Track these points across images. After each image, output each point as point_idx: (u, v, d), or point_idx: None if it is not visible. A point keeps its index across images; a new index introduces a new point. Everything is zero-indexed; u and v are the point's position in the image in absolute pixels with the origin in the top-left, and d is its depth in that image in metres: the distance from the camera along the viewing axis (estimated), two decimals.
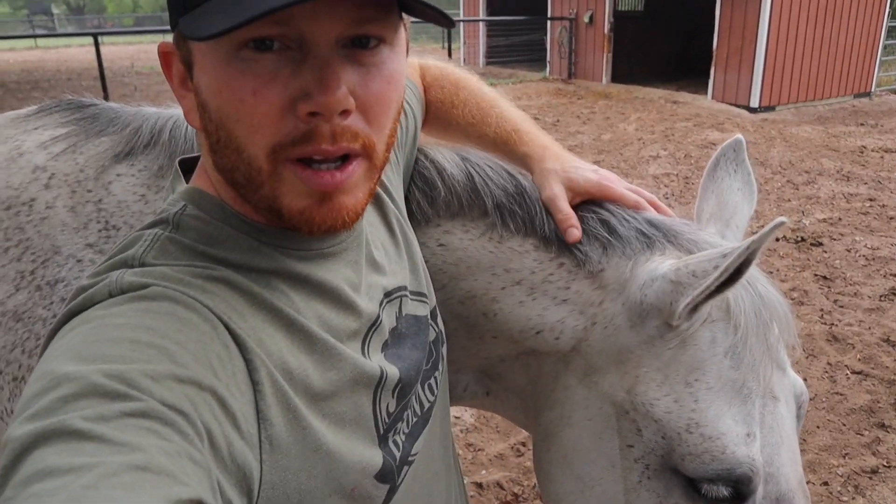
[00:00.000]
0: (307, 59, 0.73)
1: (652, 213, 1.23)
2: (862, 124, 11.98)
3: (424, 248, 1.23)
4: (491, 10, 20.42)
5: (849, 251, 6.10)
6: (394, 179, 1.17)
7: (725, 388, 1.04)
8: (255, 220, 0.86)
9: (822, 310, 4.95)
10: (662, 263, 1.10)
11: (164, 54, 0.85)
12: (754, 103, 13.77)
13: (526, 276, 1.18)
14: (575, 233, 1.17)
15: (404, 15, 0.83)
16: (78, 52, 31.52)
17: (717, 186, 1.32)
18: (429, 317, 1.09)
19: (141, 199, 1.31)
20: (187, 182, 0.93)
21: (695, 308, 1.03)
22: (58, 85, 17.58)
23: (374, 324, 0.95)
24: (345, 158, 0.78)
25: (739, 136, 1.36)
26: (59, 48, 36.25)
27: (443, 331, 1.14)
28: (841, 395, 4.01)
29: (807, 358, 4.36)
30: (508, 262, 1.19)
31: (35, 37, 14.73)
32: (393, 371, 0.93)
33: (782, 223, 0.92)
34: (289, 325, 0.81)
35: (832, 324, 4.76)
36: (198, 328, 0.71)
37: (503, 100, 1.40)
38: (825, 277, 5.53)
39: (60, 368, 0.62)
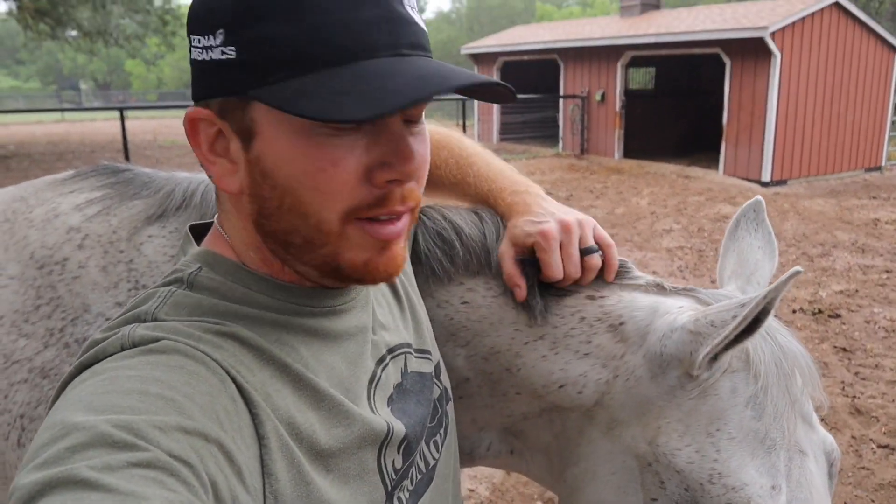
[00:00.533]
0: (382, 133, 0.80)
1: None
2: (874, 197, 12.03)
3: (448, 305, 1.25)
4: None
5: (868, 323, 6.04)
6: None
7: (748, 438, 1.04)
8: (273, 277, 0.88)
9: (843, 382, 4.87)
10: (682, 314, 1.11)
11: (192, 120, 0.84)
12: (766, 177, 13.90)
13: (548, 330, 1.19)
14: (518, 292, 1.19)
15: None
16: (103, 125, 32.47)
17: (738, 245, 1.34)
18: (433, 374, 1.10)
19: (171, 259, 1.34)
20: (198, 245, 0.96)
21: (714, 358, 1.04)
22: (82, 157, 18.03)
23: (373, 380, 0.96)
24: None
25: (759, 197, 1.38)
26: (84, 122, 37.36)
27: (448, 388, 1.15)
28: (867, 469, 3.90)
29: (830, 431, 4.27)
30: (531, 317, 1.21)
31: (62, 110, 15.30)
32: (399, 427, 0.94)
33: (798, 272, 0.93)
34: (296, 380, 0.83)
35: (854, 396, 4.67)
36: (206, 381, 0.73)
37: (482, 154, 1.37)
38: (845, 349, 5.46)
39: (70, 418, 0.63)
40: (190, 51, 0.83)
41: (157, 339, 0.75)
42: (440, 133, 1.40)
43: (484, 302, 1.24)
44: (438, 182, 1.37)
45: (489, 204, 1.32)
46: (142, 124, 32.60)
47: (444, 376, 1.15)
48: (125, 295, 1.31)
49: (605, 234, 1.24)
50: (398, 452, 0.94)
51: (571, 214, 1.24)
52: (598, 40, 17.41)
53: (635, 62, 18.24)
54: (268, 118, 0.79)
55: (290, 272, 0.89)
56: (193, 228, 1.00)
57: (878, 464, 3.96)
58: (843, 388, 4.80)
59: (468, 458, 1.34)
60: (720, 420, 1.05)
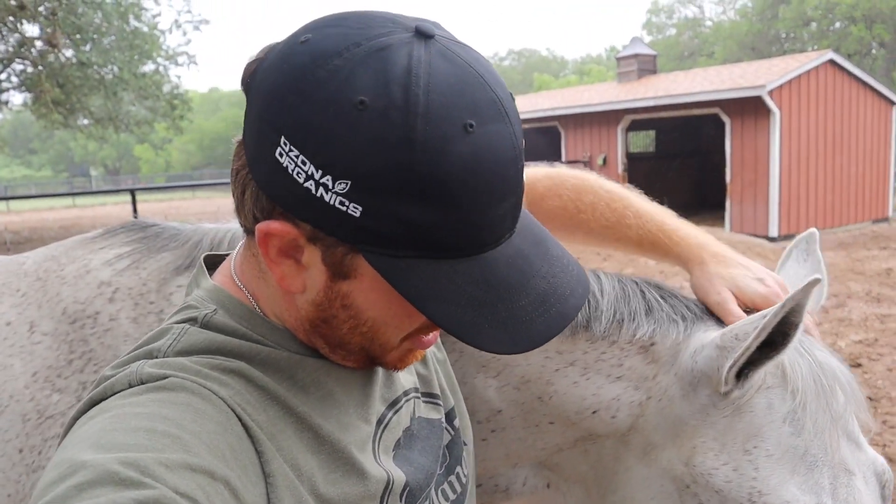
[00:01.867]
0: None
1: None
2: (884, 248, 12.02)
3: None
4: None
5: (890, 371, 5.95)
6: None
7: (787, 455, 1.02)
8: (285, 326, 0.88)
9: (871, 431, 4.76)
10: (712, 331, 1.11)
11: (267, 236, 0.77)
12: (773, 233, 13.94)
13: (579, 356, 1.19)
14: None
15: None
16: (113, 209, 32.97)
17: (786, 274, 1.34)
18: (443, 420, 1.08)
19: (191, 297, 1.35)
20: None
21: (741, 372, 1.03)
22: None
23: (381, 421, 0.95)
24: None
25: (814, 229, 1.37)
26: (95, 206, 38.01)
27: (461, 432, 1.12)
28: None
29: None
30: (560, 343, 1.20)
31: (73, 195, 15.52)
32: (399, 476, 0.92)
33: (818, 280, 0.93)
34: (299, 422, 0.82)
35: (884, 445, 4.57)
36: (212, 419, 0.73)
37: (633, 195, 1.35)
38: (870, 398, 5.36)
39: (78, 456, 0.63)
40: (277, 151, 0.73)
41: (164, 377, 0.76)
42: (577, 177, 1.37)
43: None
44: (584, 226, 1.34)
45: (659, 243, 1.28)
46: (150, 206, 33.10)
47: (459, 422, 1.12)
48: None
49: None
50: (400, 501, 0.92)
51: (766, 271, 1.22)
52: (598, 105, 17.78)
53: (635, 125, 18.57)
54: (372, 272, 0.76)
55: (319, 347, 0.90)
56: (207, 258, 1.00)
57: None
58: (872, 437, 4.69)
59: (504, 494, 1.32)
60: (757, 437, 1.04)
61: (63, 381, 1.33)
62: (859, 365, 6.11)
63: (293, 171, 0.72)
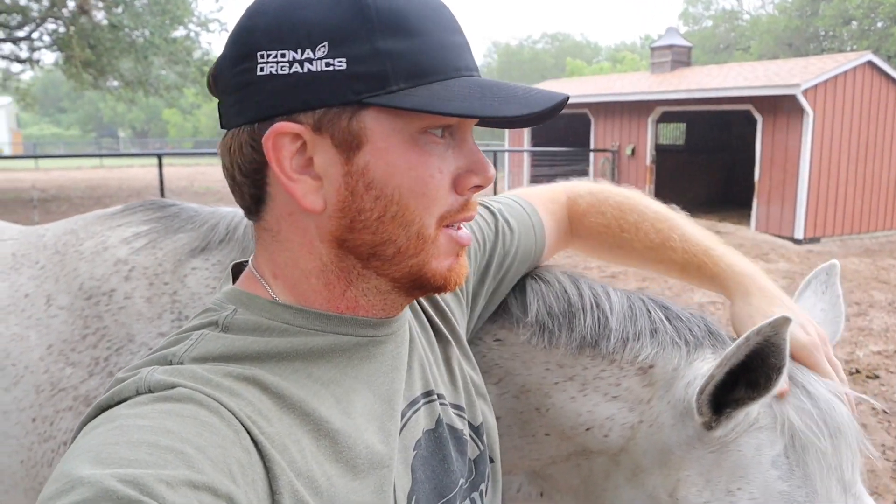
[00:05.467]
0: (462, 145, 0.88)
1: (711, 322, 1.22)
2: None
3: (481, 343, 1.24)
4: (535, 141, 21.14)
5: None
6: (451, 301, 1.16)
7: (772, 500, 1.00)
8: (314, 309, 0.88)
9: (883, 445, 4.71)
10: (708, 362, 1.10)
11: (278, 135, 0.82)
12: (799, 235, 13.76)
13: (579, 371, 1.18)
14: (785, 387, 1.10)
15: None
16: (139, 171, 33.29)
17: (803, 306, 1.31)
18: (469, 432, 1.07)
19: (213, 291, 1.36)
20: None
21: (720, 408, 1.01)
22: (119, 201, 18.39)
23: (402, 419, 0.94)
24: None
25: (835, 261, 1.34)
26: (122, 168, 38.37)
27: (487, 449, 1.11)
28: None
29: (871, 495, 4.12)
30: (563, 356, 1.20)
31: (101, 156, 15.72)
32: (406, 482, 0.91)
33: (788, 319, 0.92)
34: (316, 429, 0.81)
35: None
36: (219, 433, 0.71)
37: (679, 217, 1.33)
38: (885, 411, 5.30)
39: (76, 471, 0.62)
40: (257, 68, 0.81)
41: (172, 386, 0.75)
42: (622, 194, 1.37)
43: (517, 341, 1.24)
44: (626, 246, 1.32)
45: (705, 269, 1.26)
46: (177, 171, 33.38)
47: (487, 437, 1.11)
48: (169, 326, 1.33)
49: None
50: None
51: (808, 317, 1.19)
52: (629, 95, 17.57)
53: (665, 117, 18.34)
54: (381, 127, 0.82)
55: (349, 298, 0.89)
56: (236, 267, 1.00)
57: None
58: (885, 451, 4.64)
59: None
60: (743, 478, 1.02)
61: (77, 355, 1.34)
62: (877, 377, 6.04)
63: (278, 69, 0.80)
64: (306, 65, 0.80)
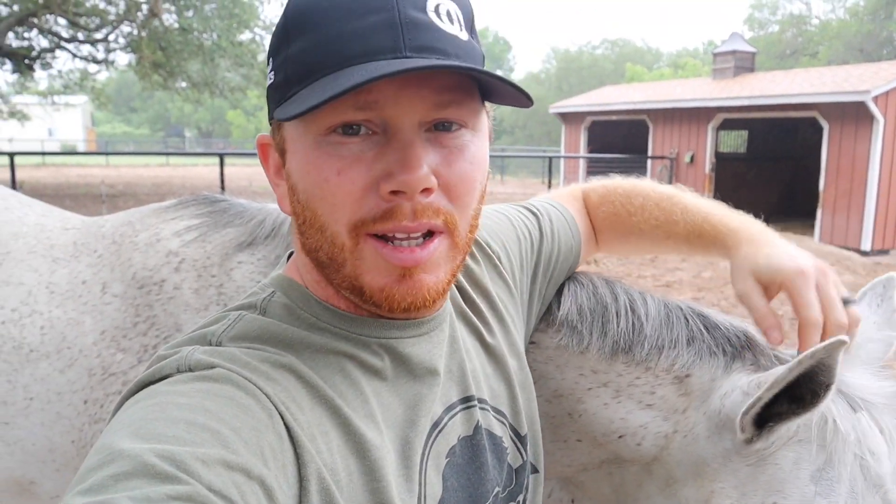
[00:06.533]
0: (391, 142, 0.79)
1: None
2: None
3: None
4: (591, 147, 20.94)
5: None
6: (508, 303, 1.14)
7: None
8: (337, 307, 0.89)
9: None
10: (746, 375, 1.07)
11: (261, 146, 0.93)
12: (866, 247, 13.29)
13: (613, 378, 1.18)
14: (775, 335, 1.10)
15: (487, 104, 0.89)
16: (203, 170, 34.16)
17: None
18: (510, 438, 1.04)
19: (258, 285, 1.41)
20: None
21: (762, 423, 0.99)
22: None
23: (437, 425, 0.93)
24: (428, 235, 0.82)
25: (893, 273, 1.29)
26: (187, 166, 39.47)
27: (531, 460, 1.08)
28: None
29: None
30: (597, 362, 1.20)
31: (167, 154, 16.18)
32: (436, 491, 0.90)
33: (843, 342, 0.88)
34: (345, 424, 0.82)
35: None
36: (255, 416, 0.73)
37: (683, 193, 1.33)
38: None
39: (118, 444, 0.64)
40: (269, 80, 0.89)
41: (212, 366, 0.77)
42: (629, 182, 1.38)
43: (552, 344, 1.24)
44: (636, 229, 1.33)
45: (704, 234, 1.25)
46: (238, 171, 34.09)
47: (532, 449, 1.08)
48: None
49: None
50: None
51: (807, 254, 1.14)
52: (690, 101, 17.25)
53: (727, 125, 17.94)
54: (292, 134, 0.84)
55: (343, 298, 0.89)
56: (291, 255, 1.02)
57: None
58: None
59: None
60: (779, 493, 0.99)
61: (127, 341, 1.41)
62: None
63: (269, 81, 0.86)
64: (270, 77, 0.86)
